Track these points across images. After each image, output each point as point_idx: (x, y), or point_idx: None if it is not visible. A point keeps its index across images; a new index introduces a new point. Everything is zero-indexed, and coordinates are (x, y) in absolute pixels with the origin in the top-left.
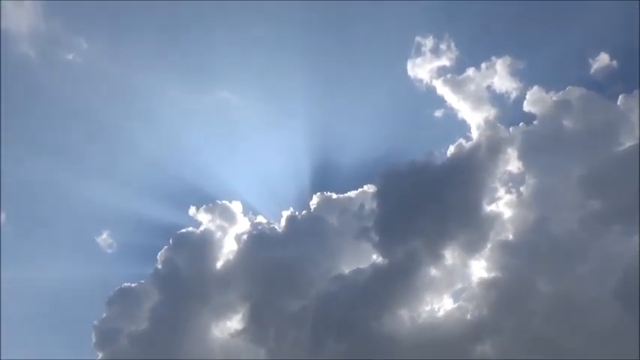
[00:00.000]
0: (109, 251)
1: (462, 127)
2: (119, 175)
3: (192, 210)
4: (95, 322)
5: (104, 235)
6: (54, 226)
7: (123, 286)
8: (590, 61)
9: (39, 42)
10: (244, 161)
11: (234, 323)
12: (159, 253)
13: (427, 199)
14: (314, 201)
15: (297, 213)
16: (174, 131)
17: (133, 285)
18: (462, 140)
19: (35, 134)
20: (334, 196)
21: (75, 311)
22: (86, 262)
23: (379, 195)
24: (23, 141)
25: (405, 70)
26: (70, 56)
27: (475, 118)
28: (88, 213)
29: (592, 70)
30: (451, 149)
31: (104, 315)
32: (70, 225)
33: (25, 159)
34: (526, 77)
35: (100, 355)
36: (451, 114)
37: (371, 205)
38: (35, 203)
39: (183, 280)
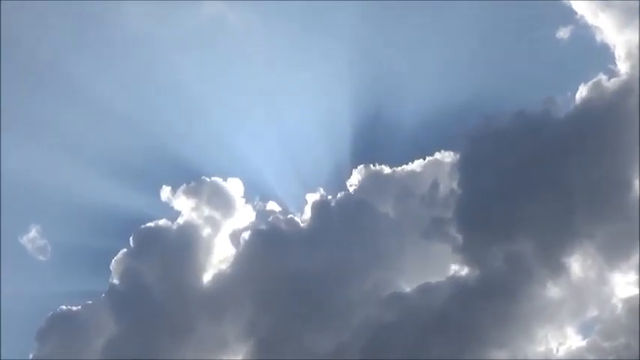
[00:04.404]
0: (41, 258)
1: (603, 56)
2: (53, 140)
3: (165, 192)
4: None
5: (32, 233)
6: None
7: (60, 310)
8: None
9: None
10: (248, 117)
11: None
12: (113, 260)
13: (542, 174)
14: (355, 178)
15: (329, 197)
16: (139, 70)
17: (75, 308)
18: (601, 76)
19: None
20: (387, 169)
21: None
22: (5, 274)
23: (463, 167)
24: None
25: None
26: None
27: (622, 40)
28: (7, 201)
29: None
30: (583, 92)
31: (31, 355)
32: None
33: None
34: None
35: None
36: (584, 35)
37: (449, 183)
38: None
39: (151, 301)
